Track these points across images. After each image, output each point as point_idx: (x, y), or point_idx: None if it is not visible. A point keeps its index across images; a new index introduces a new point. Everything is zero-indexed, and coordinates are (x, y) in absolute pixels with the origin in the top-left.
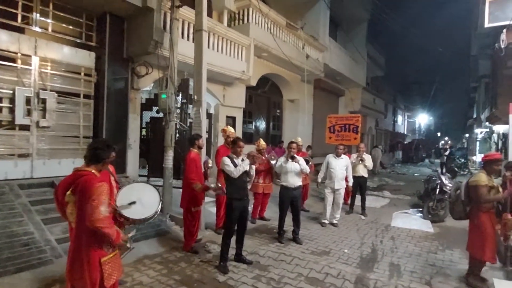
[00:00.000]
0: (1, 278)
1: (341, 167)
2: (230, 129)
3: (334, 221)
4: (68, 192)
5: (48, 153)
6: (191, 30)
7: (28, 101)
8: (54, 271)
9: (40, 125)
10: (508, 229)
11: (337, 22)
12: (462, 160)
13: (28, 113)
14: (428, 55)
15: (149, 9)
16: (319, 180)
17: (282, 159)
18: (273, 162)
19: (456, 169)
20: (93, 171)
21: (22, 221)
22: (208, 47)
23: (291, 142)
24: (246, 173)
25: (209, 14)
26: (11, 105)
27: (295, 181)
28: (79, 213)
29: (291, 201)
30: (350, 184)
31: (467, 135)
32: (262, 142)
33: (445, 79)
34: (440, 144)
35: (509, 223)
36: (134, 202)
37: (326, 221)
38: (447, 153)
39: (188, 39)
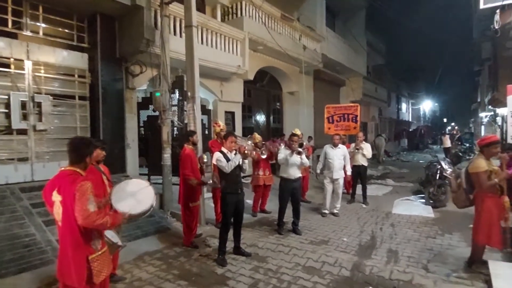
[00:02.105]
0: (3, 278)
1: (338, 157)
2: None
3: (335, 211)
4: (54, 192)
5: (47, 156)
6: (183, 26)
7: (23, 105)
8: (55, 271)
9: (37, 129)
10: (506, 211)
11: (334, 12)
12: (467, 144)
13: (25, 117)
14: (430, 40)
15: (138, 7)
16: (318, 171)
17: (286, 152)
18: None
19: (460, 154)
20: (77, 170)
21: (24, 224)
22: (202, 42)
23: (294, 135)
24: (239, 167)
25: (202, 10)
26: (7, 110)
27: (296, 173)
28: (65, 212)
29: (292, 193)
30: (349, 173)
31: (473, 119)
32: (257, 135)
33: (448, 63)
34: (447, 130)
35: (506, 205)
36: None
37: (326, 211)
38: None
39: (180, 36)
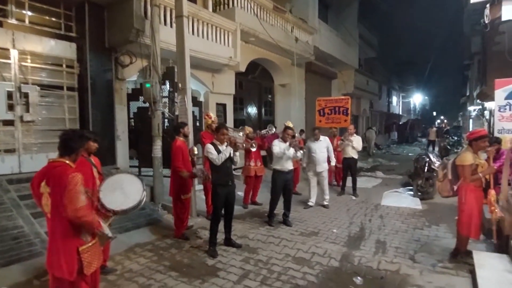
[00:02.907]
0: None
1: (321, 150)
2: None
3: (325, 203)
4: (43, 183)
5: (35, 148)
6: (173, 17)
7: (10, 95)
8: (44, 263)
9: (24, 120)
10: (492, 204)
11: (327, 4)
12: (455, 138)
13: (11, 108)
14: (422, 34)
15: None
16: (304, 165)
17: (280, 145)
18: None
19: (448, 147)
20: (67, 162)
21: (11, 216)
22: (193, 33)
23: (288, 128)
24: (230, 159)
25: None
26: None
27: (289, 165)
28: (54, 204)
29: (284, 184)
30: (333, 164)
31: (461, 113)
32: (247, 127)
33: (439, 57)
34: (436, 123)
35: (492, 198)
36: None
37: (311, 203)
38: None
39: (171, 26)
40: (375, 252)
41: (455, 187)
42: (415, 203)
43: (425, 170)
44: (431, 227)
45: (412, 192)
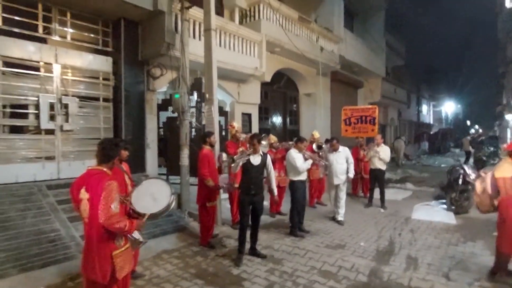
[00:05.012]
0: (29, 272)
1: (339, 161)
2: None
3: (339, 218)
4: (82, 190)
5: (72, 155)
6: (202, 30)
7: (51, 106)
8: (79, 265)
9: (64, 129)
10: None
11: (353, 13)
12: (492, 148)
13: (52, 118)
14: (453, 41)
15: (160, 12)
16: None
17: (300, 156)
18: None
19: (484, 158)
20: (104, 169)
21: (49, 219)
22: (220, 45)
23: (303, 140)
24: (257, 169)
25: (221, 13)
26: (36, 111)
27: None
28: (92, 209)
29: (303, 195)
30: (351, 175)
31: (498, 122)
32: (272, 136)
33: (472, 65)
34: (470, 133)
35: None
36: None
37: (340, 218)
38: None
39: (199, 39)
40: (406, 268)
41: (496, 202)
42: (449, 218)
43: (460, 182)
44: (466, 243)
45: (445, 206)
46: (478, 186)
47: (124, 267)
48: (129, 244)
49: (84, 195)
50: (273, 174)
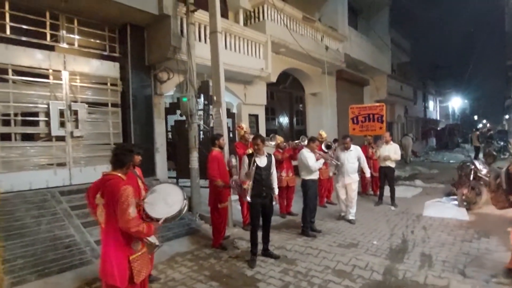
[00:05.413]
0: (47, 278)
1: (350, 160)
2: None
3: (350, 217)
4: (98, 195)
5: (83, 161)
6: (208, 33)
7: (61, 113)
8: (94, 270)
9: (74, 135)
10: None
11: (357, 10)
12: (502, 143)
13: (63, 124)
14: (458, 35)
15: (165, 17)
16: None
17: (312, 156)
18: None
19: (494, 153)
20: (119, 174)
21: (64, 225)
22: (226, 47)
23: (314, 140)
24: (265, 170)
25: (225, 15)
26: (47, 119)
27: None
28: (108, 214)
29: (315, 194)
30: (368, 175)
31: (507, 116)
32: (278, 137)
33: (478, 59)
34: (478, 127)
35: None
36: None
37: (343, 213)
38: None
39: (205, 42)
40: (421, 265)
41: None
42: (461, 214)
43: (471, 178)
44: (480, 239)
45: (456, 202)
46: (493, 182)
47: (141, 271)
48: (146, 248)
49: (100, 200)
50: (275, 175)
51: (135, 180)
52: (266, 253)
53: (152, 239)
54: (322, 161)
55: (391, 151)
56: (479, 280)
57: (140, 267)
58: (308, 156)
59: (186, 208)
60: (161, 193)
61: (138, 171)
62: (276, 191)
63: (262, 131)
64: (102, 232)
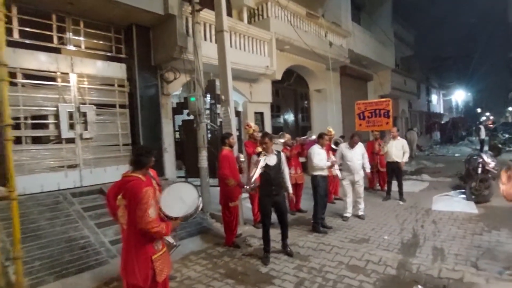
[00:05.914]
0: (64, 279)
1: (357, 158)
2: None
3: (360, 213)
4: (119, 197)
5: (93, 162)
6: (213, 32)
7: (70, 115)
8: (111, 270)
9: (84, 137)
10: None
11: (360, 5)
12: (506, 135)
13: (72, 127)
14: (461, 28)
15: (171, 16)
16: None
17: (321, 152)
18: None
19: (500, 145)
20: (139, 176)
21: (78, 226)
22: (231, 46)
23: (324, 135)
24: (274, 168)
25: (229, 13)
26: (56, 121)
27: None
28: (129, 215)
29: (325, 191)
30: (368, 170)
31: (510, 108)
32: (286, 135)
33: (481, 51)
34: (482, 120)
35: None
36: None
37: (348, 215)
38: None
39: (211, 41)
40: (434, 259)
41: None
42: (470, 207)
43: (479, 171)
44: (491, 232)
45: (465, 196)
46: (504, 174)
47: (163, 270)
48: (166, 248)
49: (121, 201)
50: (287, 172)
51: (150, 180)
52: (285, 249)
53: (170, 239)
54: (329, 163)
55: (398, 147)
56: (492, 272)
57: (162, 266)
58: (315, 152)
59: (201, 204)
60: (175, 192)
61: (152, 172)
62: (290, 189)
63: (268, 129)
64: (123, 233)
